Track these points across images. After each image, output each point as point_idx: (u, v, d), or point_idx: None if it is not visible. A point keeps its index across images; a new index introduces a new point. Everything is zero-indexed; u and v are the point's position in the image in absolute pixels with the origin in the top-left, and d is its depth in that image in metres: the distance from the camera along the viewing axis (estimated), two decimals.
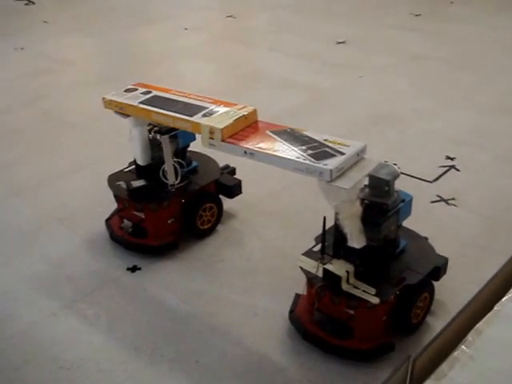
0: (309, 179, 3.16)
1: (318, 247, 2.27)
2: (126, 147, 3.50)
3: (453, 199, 3.09)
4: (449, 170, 3.36)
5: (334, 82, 4.56)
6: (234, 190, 2.89)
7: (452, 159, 3.45)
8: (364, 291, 2.09)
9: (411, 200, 2.27)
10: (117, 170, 2.87)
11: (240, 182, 2.91)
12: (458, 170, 3.37)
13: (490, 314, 1.41)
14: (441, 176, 3.30)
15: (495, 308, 1.43)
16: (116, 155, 3.47)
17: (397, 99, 4.27)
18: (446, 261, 2.37)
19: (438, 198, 3.09)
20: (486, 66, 4.78)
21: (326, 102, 4.24)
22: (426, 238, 2.45)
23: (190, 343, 2.31)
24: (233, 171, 3.01)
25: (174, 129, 2.53)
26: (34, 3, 6.61)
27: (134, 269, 2.66)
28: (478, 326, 1.37)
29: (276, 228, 2.93)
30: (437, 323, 2.35)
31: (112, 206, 2.96)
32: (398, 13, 6.10)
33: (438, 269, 2.32)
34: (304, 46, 5.32)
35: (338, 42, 5.32)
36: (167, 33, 5.81)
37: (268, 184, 3.17)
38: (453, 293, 2.43)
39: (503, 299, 1.46)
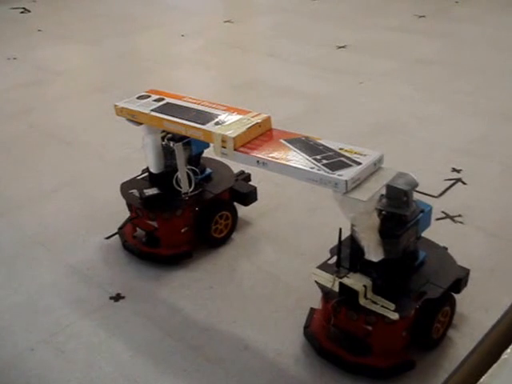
0: (304, 193, 2.96)
1: (333, 260, 2.09)
2: (115, 162, 3.36)
3: (459, 216, 2.80)
4: (455, 183, 3.07)
5: (335, 89, 4.29)
6: (250, 197, 2.73)
7: (458, 171, 3.17)
8: (383, 306, 1.91)
9: (431, 210, 2.10)
10: (129, 178, 2.72)
11: (255, 188, 2.74)
12: (464, 183, 3.08)
13: (496, 365, 1.17)
14: (446, 190, 3.00)
15: (503, 357, 1.18)
16: (104, 171, 3.31)
17: (400, 106, 3.98)
18: (467, 272, 2.20)
19: (444, 215, 2.81)
20: (493, 69, 4.48)
21: (325, 111, 3.97)
22: (446, 248, 2.26)
23: (174, 383, 2.06)
24: (248, 177, 2.83)
25: (187, 136, 2.36)
26: (29, 11, 6.40)
27: (117, 297, 2.42)
28: (483, 379, 1.13)
29: (269, 250, 2.66)
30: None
31: (98, 227, 2.78)
32: (401, 14, 5.78)
33: (459, 281, 2.14)
34: (303, 51, 5.04)
35: (338, 46, 5.05)
36: (163, 39, 5.55)
37: (262, 200, 2.85)
38: (461, 321, 2.24)
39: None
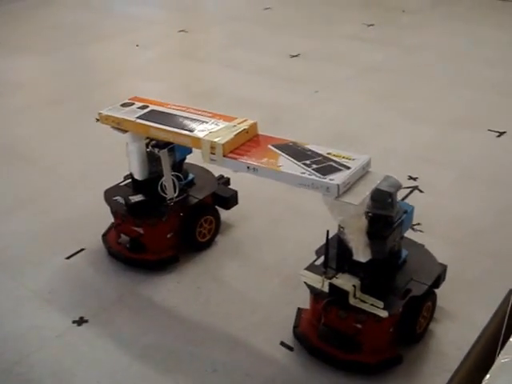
0: (266, 206, 2.91)
1: (320, 261, 2.08)
2: (74, 178, 3.16)
3: (418, 224, 2.69)
4: (412, 191, 3.01)
5: (291, 98, 4.17)
6: (231, 201, 2.70)
7: (415, 179, 3.10)
8: (372, 305, 1.92)
9: (413, 210, 2.11)
10: (112, 185, 2.63)
11: (236, 192, 2.72)
12: (421, 191, 3.02)
13: None
14: (404, 198, 2.86)
15: (484, 383, 1.11)
16: (63, 188, 3.13)
17: (354, 115, 3.91)
18: (445, 268, 2.24)
19: None
20: (442, 76, 4.48)
21: (282, 121, 3.83)
22: (423, 246, 2.27)
23: None
24: (227, 181, 2.79)
25: (171, 142, 2.30)
26: None
27: (80, 321, 2.26)
28: None
29: (233, 265, 2.56)
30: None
31: (58, 246, 2.63)
32: (351, 23, 5.73)
33: (439, 276, 2.17)
34: (257, 60, 4.91)
35: (292, 55, 4.94)
36: (118, 50, 5.32)
37: (226, 212, 2.77)
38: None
39: (492, 369, 1.14)
